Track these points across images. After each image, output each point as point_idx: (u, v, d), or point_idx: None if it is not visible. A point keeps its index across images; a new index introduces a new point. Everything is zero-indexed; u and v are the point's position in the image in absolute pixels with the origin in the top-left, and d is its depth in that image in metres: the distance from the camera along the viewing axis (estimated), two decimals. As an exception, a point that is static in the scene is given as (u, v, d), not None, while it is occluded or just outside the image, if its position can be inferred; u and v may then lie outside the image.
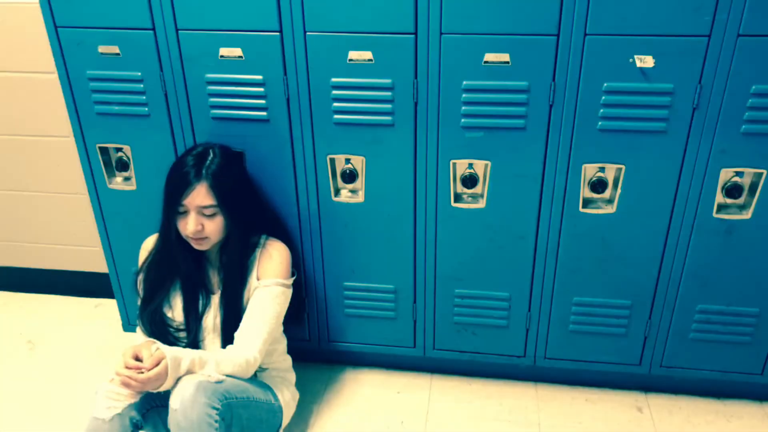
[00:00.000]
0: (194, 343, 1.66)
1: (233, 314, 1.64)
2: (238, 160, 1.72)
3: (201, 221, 1.55)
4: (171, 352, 1.42)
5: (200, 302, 1.67)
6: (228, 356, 1.52)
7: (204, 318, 1.67)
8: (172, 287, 1.66)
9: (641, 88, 1.53)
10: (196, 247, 1.60)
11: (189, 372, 1.44)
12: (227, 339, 1.63)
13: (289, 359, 1.85)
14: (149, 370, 1.38)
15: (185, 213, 1.55)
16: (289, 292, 1.68)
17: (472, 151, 1.66)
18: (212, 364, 1.47)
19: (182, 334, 1.67)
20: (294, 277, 1.72)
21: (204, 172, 1.54)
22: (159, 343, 1.45)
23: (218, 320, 1.66)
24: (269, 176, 1.79)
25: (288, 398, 1.74)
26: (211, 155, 1.58)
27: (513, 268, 1.81)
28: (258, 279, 1.64)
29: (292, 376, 1.84)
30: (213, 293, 1.68)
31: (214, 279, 1.69)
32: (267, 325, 1.59)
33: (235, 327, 1.61)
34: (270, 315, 1.60)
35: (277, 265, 1.65)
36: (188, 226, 1.54)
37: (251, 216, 1.68)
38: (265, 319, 1.59)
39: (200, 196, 1.53)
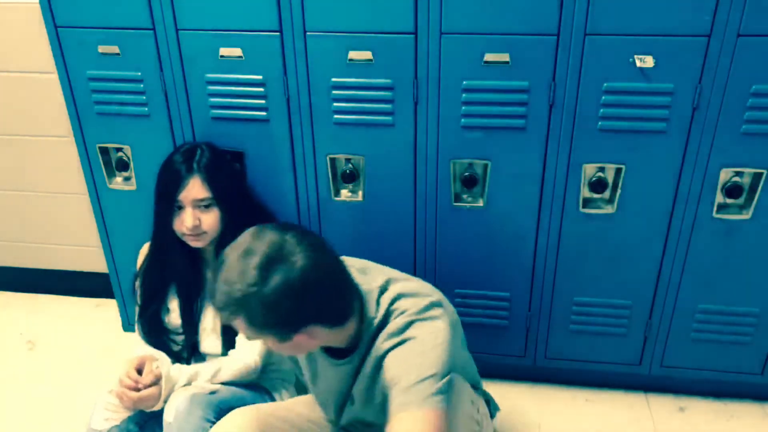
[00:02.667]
0: (193, 344, 1.66)
1: None
2: (226, 157, 1.71)
3: (197, 215, 1.54)
4: (169, 372, 1.44)
5: (198, 303, 1.66)
6: (226, 364, 1.53)
7: (202, 319, 1.67)
8: (169, 291, 1.66)
9: (641, 87, 1.53)
10: (193, 244, 1.59)
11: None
12: (227, 339, 1.63)
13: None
14: (146, 386, 1.40)
15: (181, 209, 1.54)
16: None
17: (472, 151, 1.66)
18: (207, 375, 1.48)
19: (180, 337, 1.67)
20: None
21: (195, 166, 1.54)
22: (160, 360, 1.46)
23: (217, 320, 1.66)
24: (269, 176, 1.79)
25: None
26: (200, 151, 1.59)
27: (513, 268, 1.81)
28: None
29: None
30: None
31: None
32: None
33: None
34: None
35: None
36: (185, 221, 1.53)
37: (245, 211, 1.67)
38: None
39: (195, 189, 1.53)
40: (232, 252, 1.08)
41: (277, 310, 1.06)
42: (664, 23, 1.46)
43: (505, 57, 1.54)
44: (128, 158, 1.87)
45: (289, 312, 1.07)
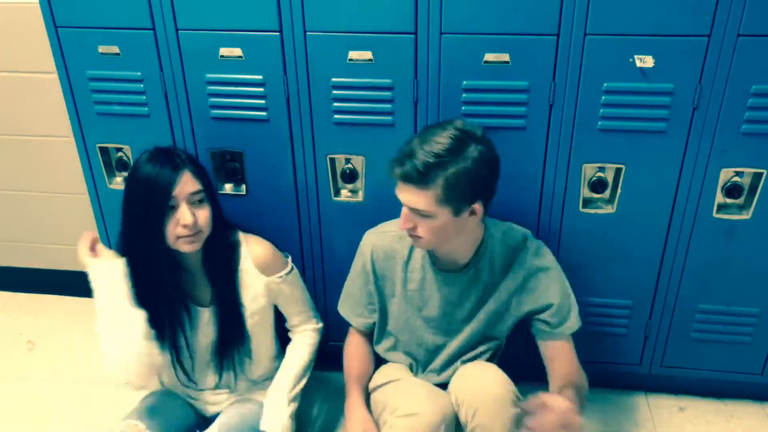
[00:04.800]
0: (180, 361, 1.61)
1: (231, 320, 1.58)
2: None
3: (192, 211, 1.46)
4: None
5: (187, 318, 1.59)
6: (298, 359, 1.69)
7: (198, 333, 1.61)
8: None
9: (641, 87, 1.53)
10: (188, 248, 1.49)
11: None
12: (224, 350, 1.60)
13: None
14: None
15: (173, 210, 1.45)
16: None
17: (472, 151, 1.66)
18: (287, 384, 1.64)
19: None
20: (289, 257, 1.71)
21: (179, 162, 1.46)
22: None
23: (213, 329, 1.60)
24: (269, 176, 1.79)
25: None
26: (174, 149, 1.51)
27: (513, 268, 1.81)
28: (267, 276, 1.61)
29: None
30: (201, 306, 1.61)
31: (201, 291, 1.61)
32: (307, 300, 1.75)
33: (235, 337, 1.58)
34: (305, 294, 1.74)
35: (273, 255, 1.63)
36: (183, 218, 1.44)
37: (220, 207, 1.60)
38: (304, 299, 1.74)
39: (188, 183, 1.45)
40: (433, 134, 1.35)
41: (472, 179, 1.31)
42: (664, 23, 1.46)
43: (505, 57, 1.54)
44: (128, 158, 1.87)
45: (479, 182, 1.33)
